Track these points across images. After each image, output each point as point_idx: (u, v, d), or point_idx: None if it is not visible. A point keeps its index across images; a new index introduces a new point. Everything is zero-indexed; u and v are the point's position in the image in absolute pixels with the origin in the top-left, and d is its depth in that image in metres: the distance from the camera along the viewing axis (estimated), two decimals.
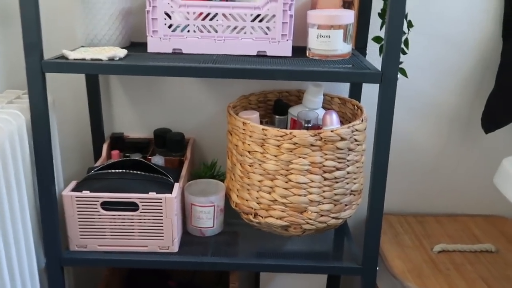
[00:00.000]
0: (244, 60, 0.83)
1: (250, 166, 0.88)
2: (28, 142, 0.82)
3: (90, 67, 0.78)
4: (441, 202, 1.21)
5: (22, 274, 0.81)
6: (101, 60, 0.79)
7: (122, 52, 0.83)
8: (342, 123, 0.97)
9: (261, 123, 0.97)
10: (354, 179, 0.90)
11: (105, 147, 1.07)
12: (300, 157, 0.84)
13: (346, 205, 0.91)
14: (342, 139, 0.84)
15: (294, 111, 1.01)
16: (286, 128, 1.03)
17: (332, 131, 0.83)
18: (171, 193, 0.86)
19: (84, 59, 0.79)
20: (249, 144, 0.87)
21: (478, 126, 1.11)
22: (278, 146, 0.84)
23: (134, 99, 1.11)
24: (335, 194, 0.88)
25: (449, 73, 1.11)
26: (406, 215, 1.19)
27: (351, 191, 0.90)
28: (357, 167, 0.90)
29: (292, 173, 0.85)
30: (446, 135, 1.16)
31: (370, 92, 1.09)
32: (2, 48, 1.00)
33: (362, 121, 0.88)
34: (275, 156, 0.84)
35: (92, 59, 0.79)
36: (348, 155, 0.87)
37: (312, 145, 0.83)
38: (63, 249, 0.89)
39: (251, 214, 0.90)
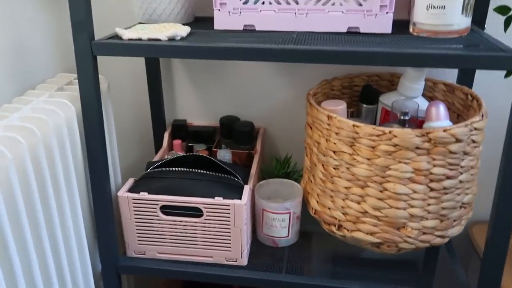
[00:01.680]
0: (332, 39, 0.67)
1: (335, 169, 0.72)
2: (79, 135, 0.71)
3: (147, 49, 0.65)
4: None
5: (75, 280, 0.72)
6: (160, 40, 0.66)
7: (185, 30, 0.69)
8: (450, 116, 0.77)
9: (347, 113, 0.80)
10: (467, 188, 0.72)
11: (166, 135, 0.96)
12: (401, 162, 0.67)
13: (454, 220, 0.73)
14: (458, 140, 0.65)
15: (386, 99, 0.83)
16: (375, 120, 0.86)
17: (445, 131, 0.65)
18: (240, 197, 0.73)
19: (140, 39, 0.66)
20: (335, 143, 0.71)
21: None
22: (372, 147, 0.67)
23: (198, 82, 0.98)
24: (443, 208, 0.70)
25: None
26: None
27: (462, 203, 0.72)
28: (471, 174, 0.71)
29: (389, 181, 0.68)
30: None
31: (483, 76, 0.88)
32: (55, 26, 0.90)
33: (482, 117, 0.68)
34: (368, 159, 0.68)
35: (149, 39, 0.66)
36: (463, 160, 0.68)
37: (417, 147, 0.65)
38: (120, 254, 0.79)
39: (334, 226, 0.75)
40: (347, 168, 0.70)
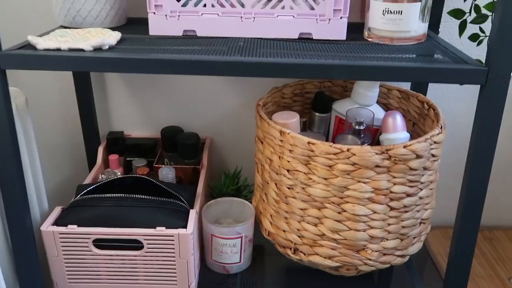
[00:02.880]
0: (282, 47, 0.60)
1: (289, 189, 0.66)
2: None
3: (67, 62, 0.55)
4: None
5: None
6: (83, 50, 0.56)
7: (114, 37, 0.59)
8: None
9: (300, 124, 0.74)
10: (426, 204, 0.68)
11: (100, 150, 0.86)
12: (360, 182, 0.61)
13: (414, 237, 0.69)
14: (418, 156, 0.61)
15: (340, 107, 0.78)
16: (329, 129, 0.81)
17: (405, 147, 0.60)
18: (185, 225, 0.65)
19: (59, 49, 0.56)
20: (288, 161, 0.65)
21: None
22: (330, 166, 0.61)
23: (136, 89, 0.88)
24: (403, 227, 0.66)
25: None
26: None
27: (422, 219, 0.68)
28: (431, 189, 0.68)
29: (347, 202, 0.63)
30: None
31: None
32: None
33: (441, 129, 0.65)
34: (325, 179, 0.62)
35: (70, 49, 0.56)
36: (423, 175, 0.64)
37: (377, 166, 0.60)
38: None
39: (290, 249, 0.69)
40: (303, 188, 0.64)
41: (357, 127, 0.73)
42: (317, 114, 0.80)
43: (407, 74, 0.54)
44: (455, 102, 0.88)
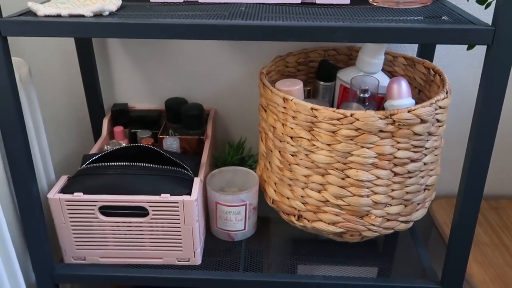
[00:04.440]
0: (285, 12, 0.59)
1: (293, 156, 0.66)
2: None
3: (68, 29, 0.54)
4: None
5: None
6: (84, 16, 0.55)
7: (114, 4, 0.59)
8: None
9: (304, 93, 0.73)
10: (431, 170, 0.68)
11: (105, 122, 0.86)
12: (363, 147, 0.61)
13: (418, 203, 0.69)
14: (422, 121, 0.61)
15: (345, 75, 0.77)
16: (333, 98, 0.80)
17: (409, 111, 0.60)
18: (190, 192, 0.66)
19: (59, 16, 0.55)
20: (292, 128, 0.64)
21: None
22: (333, 132, 0.61)
23: (139, 61, 0.88)
24: (407, 193, 0.66)
25: None
26: None
27: (426, 186, 0.68)
28: (435, 155, 0.67)
29: (351, 168, 0.63)
30: None
31: (444, 48, 0.84)
32: None
33: (447, 94, 0.64)
34: (329, 145, 0.62)
35: (71, 15, 0.55)
36: (427, 141, 0.64)
37: (381, 131, 0.60)
38: (57, 262, 0.70)
39: (294, 216, 0.70)
40: (306, 155, 0.64)
41: (362, 95, 0.73)
42: (321, 83, 0.79)
43: (414, 35, 0.52)
44: (462, 70, 0.87)
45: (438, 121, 0.63)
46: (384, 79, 0.75)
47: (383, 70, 0.77)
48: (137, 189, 0.65)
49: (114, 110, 0.88)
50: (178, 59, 0.87)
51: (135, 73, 0.89)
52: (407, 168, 0.64)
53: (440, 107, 0.62)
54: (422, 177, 0.66)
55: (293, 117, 0.63)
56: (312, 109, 0.61)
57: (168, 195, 0.64)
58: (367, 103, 0.73)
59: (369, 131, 0.60)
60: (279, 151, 0.68)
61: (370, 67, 0.75)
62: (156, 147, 0.73)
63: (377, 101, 0.74)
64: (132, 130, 0.87)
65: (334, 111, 0.60)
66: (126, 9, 0.60)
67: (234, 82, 0.88)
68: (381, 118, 0.59)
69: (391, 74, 0.80)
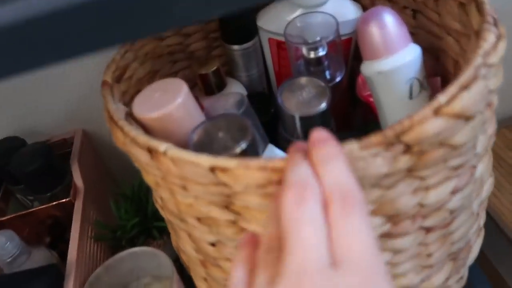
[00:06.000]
0: None
1: (213, 246, 0.32)
2: None
3: None
4: None
5: None
6: None
7: None
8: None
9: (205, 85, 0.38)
10: (483, 180, 0.34)
11: None
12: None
13: (472, 239, 0.36)
14: (468, 118, 0.26)
15: (271, 22, 0.41)
16: (265, 64, 0.44)
17: (436, 114, 0.24)
18: None
19: None
20: (190, 204, 0.29)
21: None
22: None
23: None
24: (453, 243, 0.33)
25: None
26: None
27: (480, 202, 0.35)
28: (487, 149, 0.33)
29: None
30: None
31: None
32: None
33: (499, 35, 0.28)
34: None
35: None
36: (476, 145, 0.29)
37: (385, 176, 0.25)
38: None
39: None
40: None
41: (312, 55, 0.37)
42: (235, 47, 0.43)
43: None
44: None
45: (490, 91, 0.28)
46: (345, 7, 0.40)
47: None
48: None
49: None
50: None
51: None
52: (448, 207, 0.30)
53: (489, 66, 0.27)
54: (473, 201, 0.33)
55: (181, 186, 0.28)
56: (213, 169, 0.25)
57: None
58: (325, 64, 0.38)
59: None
60: (188, 235, 0.34)
61: None
62: None
63: (343, 49, 0.40)
64: None
65: (263, 166, 0.24)
66: None
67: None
68: (376, 155, 0.24)
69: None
